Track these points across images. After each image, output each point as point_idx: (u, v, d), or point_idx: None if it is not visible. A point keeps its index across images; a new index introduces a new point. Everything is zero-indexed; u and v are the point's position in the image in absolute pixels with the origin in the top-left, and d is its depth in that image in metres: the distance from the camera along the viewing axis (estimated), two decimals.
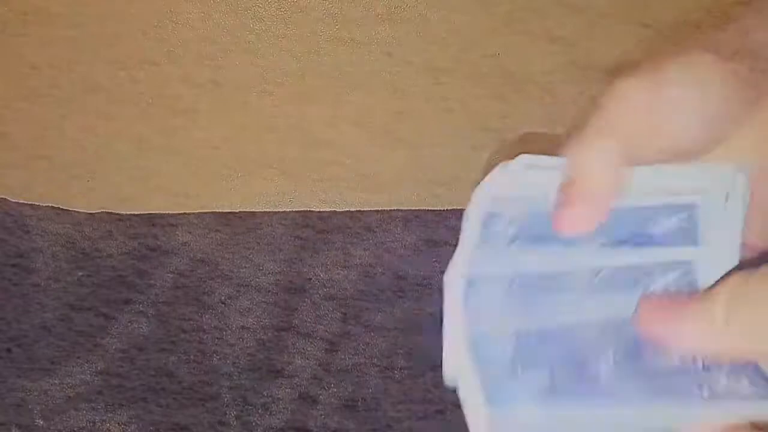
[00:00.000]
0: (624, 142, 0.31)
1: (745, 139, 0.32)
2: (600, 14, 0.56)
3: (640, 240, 0.32)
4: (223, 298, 0.51)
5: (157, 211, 0.53)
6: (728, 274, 0.28)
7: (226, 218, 0.53)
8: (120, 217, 0.53)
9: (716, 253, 0.32)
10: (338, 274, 0.51)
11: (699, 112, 0.31)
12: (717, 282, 0.27)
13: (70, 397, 0.49)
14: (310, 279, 0.51)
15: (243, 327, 0.50)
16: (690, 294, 0.28)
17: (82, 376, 0.49)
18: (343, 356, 0.49)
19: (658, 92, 0.31)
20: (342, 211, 0.53)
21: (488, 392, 0.29)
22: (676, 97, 0.31)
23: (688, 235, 0.32)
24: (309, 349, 0.50)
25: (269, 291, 0.51)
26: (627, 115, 0.31)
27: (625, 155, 0.31)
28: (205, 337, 0.50)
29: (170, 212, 0.53)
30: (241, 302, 0.51)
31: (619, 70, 0.32)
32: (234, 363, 0.49)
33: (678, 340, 0.26)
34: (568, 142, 0.32)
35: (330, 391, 0.49)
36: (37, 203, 0.53)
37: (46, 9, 0.57)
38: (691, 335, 0.26)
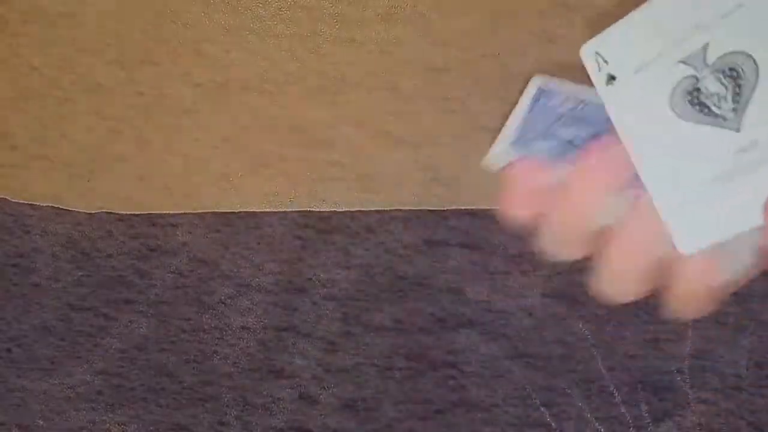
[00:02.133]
0: None
1: None
2: (600, 14, 0.56)
3: None
4: (223, 298, 0.51)
5: (157, 211, 0.53)
6: None
7: (226, 218, 0.53)
8: (120, 217, 0.53)
9: None
10: (338, 274, 0.51)
11: None
12: None
13: (70, 397, 0.49)
14: (310, 279, 0.51)
15: (243, 327, 0.50)
16: None
17: (82, 376, 0.49)
18: (343, 356, 0.49)
19: None
20: (342, 211, 0.53)
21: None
22: None
23: None
24: (309, 349, 0.50)
25: (269, 291, 0.51)
26: None
27: None
28: (205, 337, 0.50)
29: (170, 212, 0.53)
30: (241, 302, 0.51)
31: None
32: (234, 363, 0.49)
33: None
34: None
35: (330, 391, 0.49)
36: (37, 203, 0.54)
37: (46, 9, 0.57)
38: None
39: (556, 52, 0.55)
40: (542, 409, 0.48)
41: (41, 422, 0.48)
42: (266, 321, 0.50)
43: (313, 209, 0.53)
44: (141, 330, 0.50)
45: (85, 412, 0.48)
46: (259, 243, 0.52)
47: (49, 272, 0.52)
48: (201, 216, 0.53)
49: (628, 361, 0.48)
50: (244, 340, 0.50)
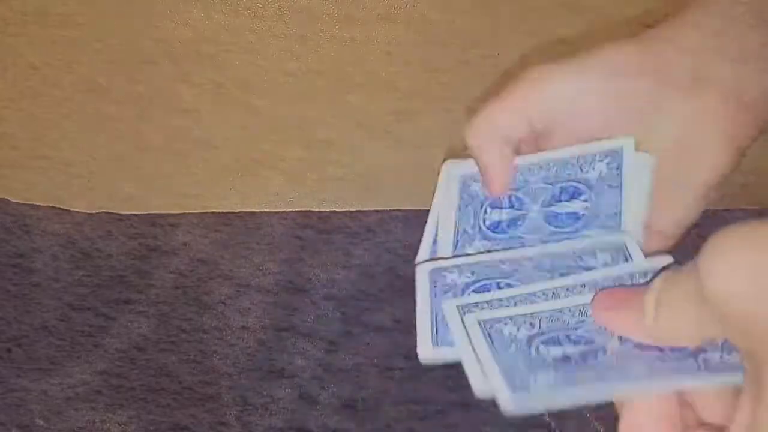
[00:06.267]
0: (524, 121, 0.34)
1: (659, 133, 0.34)
2: (600, 14, 0.56)
3: (573, 190, 0.35)
4: (223, 298, 0.51)
5: (157, 211, 0.53)
6: (663, 269, 0.31)
7: (226, 218, 0.53)
8: (120, 217, 0.53)
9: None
10: (338, 274, 0.51)
11: (610, 101, 0.33)
12: (653, 276, 0.30)
13: (69, 397, 0.49)
14: (310, 279, 0.51)
15: (243, 327, 0.50)
16: (633, 288, 0.31)
17: (82, 376, 0.49)
18: (343, 356, 0.49)
19: (573, 80, 0.33)
20: (342, 211, 0.53)
21: (508, 375, 0.30)
22: (590, 87, 0.33)
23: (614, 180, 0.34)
24: (309, 349, 0.50)
25: (269, 291, 0.51)
26: (537, 97, 0.34)
27: (512, 136, 0.34)
28: (205, 337, 0.50)
29: (170, 212, 0.53)
30: (241, 302, 0.51)
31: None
32: (234, 363, 0.49)
33: (618, 329, 0.30)
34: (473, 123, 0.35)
35: (330, 391, 0.49)
36: (38, 203, 0.54)
37: (46, 9, 0.57)
38: (627, 326, 0.29)
39: (556, 52, 0.55)
40: None
41: (41, 422, 0.48)
42: (266, 321, 0.50)
43: (313, 209, 0.53)
44: (141, 330, 0.50)
45: (85, 411, 0.48)
46: (259, 243, 0.52)
47: (49, 272, 0.52)
48: (201, 216, 0.53)
49: None
50: (244, 340, 0.50)
